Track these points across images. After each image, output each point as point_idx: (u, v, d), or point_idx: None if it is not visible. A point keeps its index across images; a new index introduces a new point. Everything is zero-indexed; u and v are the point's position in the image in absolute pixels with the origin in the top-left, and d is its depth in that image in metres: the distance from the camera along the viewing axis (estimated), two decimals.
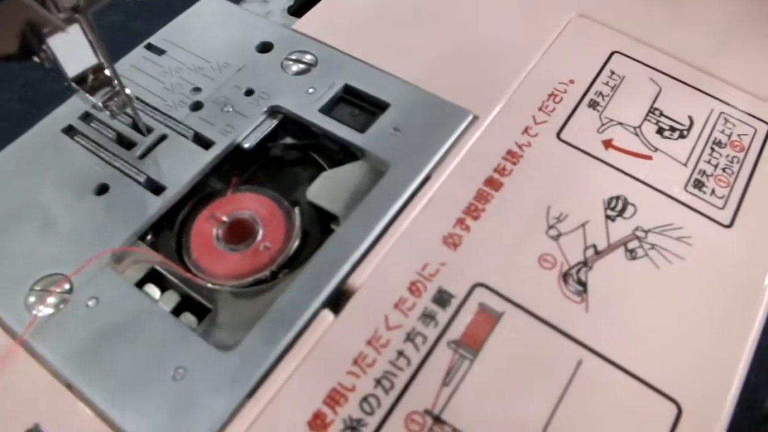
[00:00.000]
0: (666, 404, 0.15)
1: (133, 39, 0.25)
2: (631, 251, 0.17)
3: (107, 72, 0.17)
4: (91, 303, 0.16)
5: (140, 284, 0.17)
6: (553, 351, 0.15)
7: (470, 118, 0.19)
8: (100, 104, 0.17)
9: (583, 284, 0.16)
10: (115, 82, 0.17)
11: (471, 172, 0.18)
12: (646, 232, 0.17)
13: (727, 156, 0.19)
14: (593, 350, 0.15)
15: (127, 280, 0.16)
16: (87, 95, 0.17)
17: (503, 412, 0.14)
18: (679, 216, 0.17)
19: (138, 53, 0.21)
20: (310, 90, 0.19)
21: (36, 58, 0.14)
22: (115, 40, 0.22)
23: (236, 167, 0.19)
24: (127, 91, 0.17)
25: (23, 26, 0.13)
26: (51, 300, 0.16)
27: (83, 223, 0.17)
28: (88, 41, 0.16)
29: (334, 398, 0.14)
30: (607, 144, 0.19)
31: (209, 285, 0.17)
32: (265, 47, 0.21)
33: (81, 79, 0.17)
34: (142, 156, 0.18)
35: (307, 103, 0.19)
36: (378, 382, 0.15)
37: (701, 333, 0.16)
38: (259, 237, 0.17)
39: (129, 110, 0.18)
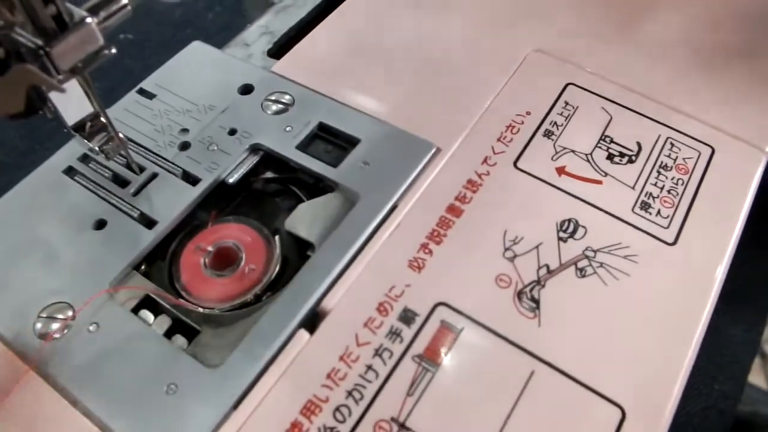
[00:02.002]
0: (611, 408, 0.17)
1: (125, 76, 0.27)
2: (581, 270, 0.19)
3: (102, 119, 0.20)
4: (92, 328, 0.18)
5: (135, 310, 0.19)
6: (508, 362, 0.17)
7: (433, 150, 0.21)
8: (96, 148, 0.20)
9: (536, 301, 0.19)
10: (109, 128, 0.20)
11: (434, 201, 0.20)
12: (595, 251, 0.19)
13: (673, 178, 0.21)
14: (545, 361, 0.17)
15: (123, 306, 0.19)
16: (85, 140, 0.20)
17: (462, 420, 0.17)
18: (626, 236, 0.20)
19: (131, 98, 0.23)
20: (288, 128, 0.22)
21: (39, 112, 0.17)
22: (108, 76, 0.24)
23: (221, 200, 0.21)
24: (121, 135, 0.20)
25: (28, 89, 0.16)
26: (56, 326, 0.18)
27: (83, 256, 0.19)
28: (85, 94, 0.19)
29: (309, 409, 0.17)
30: (561, 170, 0.21)
31: (199, 310, 0.19)
32: (246, 89, 0.23)
33: (79, 127, 0.20)
34: (136, 193, 0.21)
35: (285, 141, 0.22)
36: (349, 393, 0.17)
37: (645, 344, 0.18)
38: (243, 263, 0.20)
39: (123, 152, 0.20)
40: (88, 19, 0.16)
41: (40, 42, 0.16)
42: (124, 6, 0.17)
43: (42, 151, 0.24)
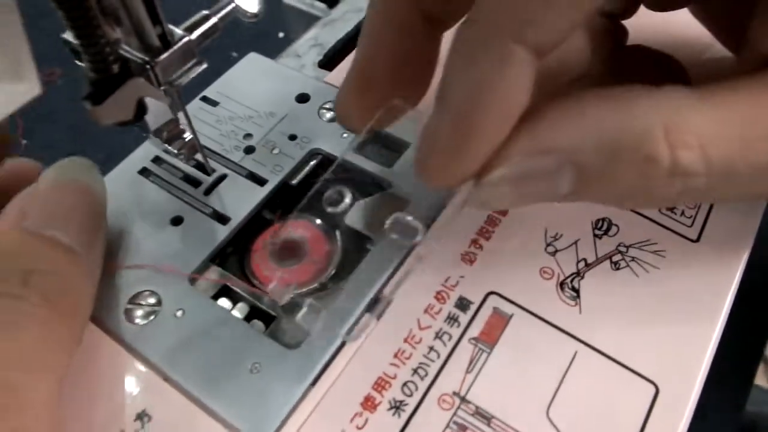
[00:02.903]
0: (646, 385, 0.19)
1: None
2: (615, 263, 0.22)
3: (181, 126, 0.22)
4: (178, 314, 0.20)
5: (214, 298, 0.21)
6: (554, 344, 0.20)
7: None
8: (175, 151, 0.22)
9: (576, 291, 0.21)
10: (187, 133, 0.22)
11: None
12: (627, 247, 0.22)
13: None
14: (586, 343, 0.20)
15: (205, 295, 0.21)
16: (165, 144, 0.22)
17: (516, 394, 0.19)
18: (654, 233, 0.22)
19: (195, 105, 0.26)
20: (344, 135, 0.24)
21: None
22: None
23: (285, 200, 0.24)
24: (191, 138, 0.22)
25: (138, 99, 0.18)
26: (144, 312, 0.20)
27: (165, 249, 0.22)
28: (172, 102, 0.21)
29: (380, 384, 0.19)
30: None
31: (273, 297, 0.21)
32: (302, 98, 0.26)
33: (159, 131, 0.22)
34: (207, 192, 0.23)
35: (342, 145, 0.24)
36: (415, 371, 0.19)
37: (674, 327, 0.20)
38: (308, 254, 0.22)
39: (198, 155, 0.22)
40: (187, 38, 0.18)
41: (146, 57, 0.18)
42: (215, 25, 0.19)
43: (90, 153, 0.26)
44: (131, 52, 0.18)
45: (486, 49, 0.15)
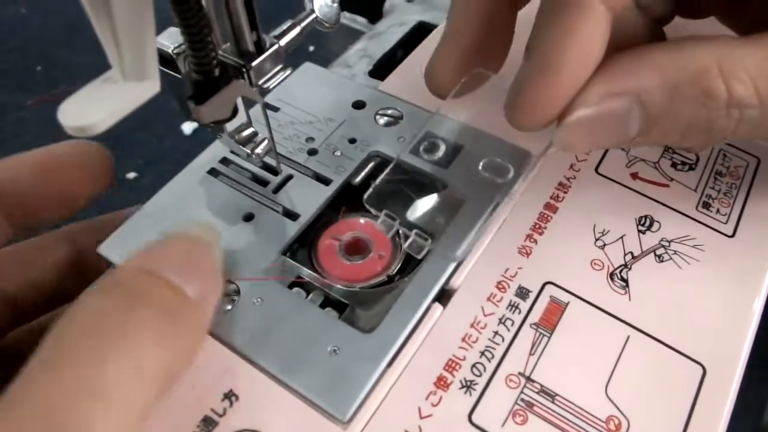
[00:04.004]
0: (694, 366, 0.21)
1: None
2: (659, 256, 0.23)
3: (253, 129, 0.24)
4: (257, 302, 0.22)
5: (289, 288, 0.23)
6: (608, 330, 0.22)
7: (530, 157, 0.25)
8: (248, 152, 0.24)
9: (625, 281, 0.23)
10: (260, 135, 0.24)
11: (532, 200, 0.25)
12: (669, 242, 0.24)
13: (727, 183, 0.26)
14: (637, 328, 0.22)
15: (281, 285, 0.22)
16: (239, 146, 0.24)
17: (576, 374, 0.21)
18: (693, 229, 0.24)
19: (257, 110, 0.27)
20: (400, 138, 0.26)
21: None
22: None
23: (347, 199, 0.25)
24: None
25: (236, 98, 0.20)
26: (224, 299, 0.22)
27: (239, 243, 0.23)
28: (263, 108, 0.23)
29: (451, 365, 0.21)
30: (634, 176, 0.26)
31: (343, 288, 0.23)
32: (359, 105, 0.28)
33: (234, 132, 0.24)
34: (275, 191, 0.25)
35: (399, 147, 0.26)
36: (482, 353, 0.21)
37: (716, 312, 0.22)
38: (373, 249, 0.24)
39: (270, 156, 0.24)
40: (277, 44, 0.20)
41: (241, 62, 0.20)
42: (299, 34, 0.21)
43: (128, 159, 0.28)
44: (227, 56, 0.20)
45: (567, 5, 0.17)
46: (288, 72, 0.21)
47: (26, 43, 0.45)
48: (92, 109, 0.16)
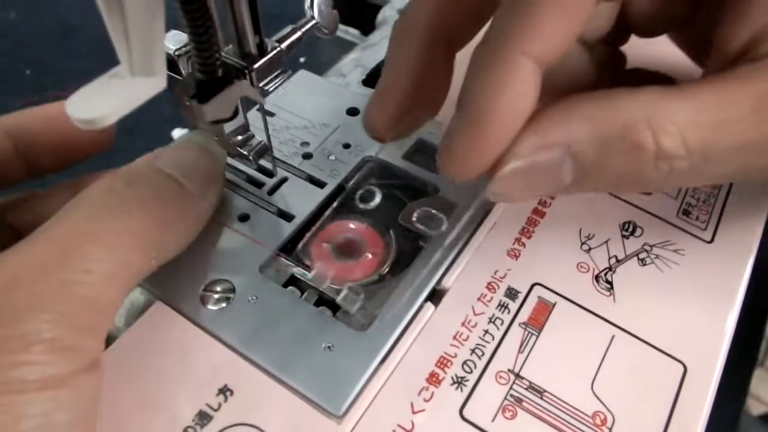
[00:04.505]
0: (676, 364, 0.22)
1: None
2: (642, 260, 0.24)
3: (250, 131, 0.24)
4: (251, 299, 0.22)
5: (284, 287, 0.23)
6: (594, 329, 0.22)
7: None
8: (245, 153, 0.24)
9: (610, 283, 0.24)
10: (257, 137, 0.24)
11: (521, 205, 0.26)
12: (651, 246, 0.25)
13: (706, 192, 0.27)
14: (621, 328, 0.23)
15: (276, 283, 0.23)
16: (237, 147, 0.24)
17: (563, 371, 0.21)
18: (674, 235, 0.25)
19: (253, 114, 0.28)
20: (391, 145, 0.27)
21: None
22: None
23: (342, 201, 0.26)
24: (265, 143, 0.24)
25: (238, 98, 0.20)
26: (219, 297, 0.22)
27: (235, 242, 0.24)
28: (263, 111, 0.24)
29: (443, 362, 0.21)
30: None
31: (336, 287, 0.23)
32: (352, 111, 0.28)
33: (232, 134, 0.25)
34: (270, 193, 0.25)
35: (392, 153, 0.27)
36: (473, 350, 0.22)
37: (696, 313, 0.23)
38: (366, 250, 0.24)
39: (266, 159, 0.25)
40: (278, 48, 0.21)
41: (244, 63, 0.20)
42: (299, 39, 0.22)
43: (115, 162, 0.28)
44: (230, 58, 0.20)
45: (497, 61, 0.18)
46: (288, 75, 0.22)
47: (16, 48, 0.45)
48: (100, 102, 0.17)
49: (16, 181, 0.24)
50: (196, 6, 0.18)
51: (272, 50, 0.21)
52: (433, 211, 0.25)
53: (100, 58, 0.52)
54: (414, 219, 0.25)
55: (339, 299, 0.22)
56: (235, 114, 0.21)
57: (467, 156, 0.19)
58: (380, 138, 0.23)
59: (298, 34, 0.22)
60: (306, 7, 0.22)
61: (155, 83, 0.18)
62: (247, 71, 0.20)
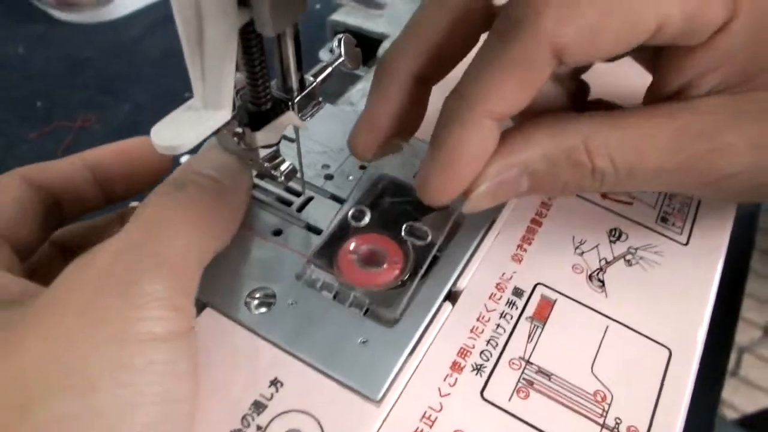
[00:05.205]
0: (662, 349, 0.26)
1: None
2: (628, 261, 0.28)
3: (282, 156, 0.28)
4: (291, 303, 0.25)
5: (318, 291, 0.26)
6: (590, 321, 0.26)
7: None
8: (277, 174, 0.28)
9: (601, 281, 0.28)
10: (287, 161, 0.28)
11: (520, 216, 0.29)
12: (636, 249, 0.29)
13: (680, 201, 0.31)
14: (614, 319, 0.26)
15: (312, 289, 0.26)
16: (271, 170, 0.28)
17: (567, 356, 0.25)
18: (654, 239, 0.29)
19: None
20: (403, 165, 0.31)
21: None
22: None
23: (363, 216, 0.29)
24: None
25: (285, 127, 0.24)
26: (261, 302, 0.26)
27: (272, 253, 0.27)
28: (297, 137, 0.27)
29: (463, 352, 0.25)
30: (604, 196, 0.31)
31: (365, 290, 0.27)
32: None
33: (265, 158, 0.28)
34: (299, 210, 0.29)
35: (405, 172, 0.30)
36: (488, 342, 0.25)
37: (677, 304, 0.27)
38: (387, 259, 0.28)
39: (295, 180, 0.28)
40: (315, 82, 0.25)
41: (287, 96, 0.24)
42: (330, 74, 0.26)
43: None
44: (276, 92, 0.24)
45: (464, 117, 0.23)
46: (322, 106, 0.25)
47: (26, 81, 0.48)
48: (178, 132, 0.20)
49: (95, 208, 0.28)
50: (254, 50, 0.21)
51: (309, 85, 0.24)
52: (417, 225, 0.29)
53: (104, 90, 0.56)
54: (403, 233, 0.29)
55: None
56: (279, 140, 0.25)
57: (440, 188, 0.24)
58: (362, 159, 0.28)
59: (329, 70, 0.25)
60: (334, 45, 0.26)
61: (223, 115, 0.21)
62: (290, 103, 0.24)
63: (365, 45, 0.37)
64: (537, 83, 0.22)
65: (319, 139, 0.32)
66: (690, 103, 0.24)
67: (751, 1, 0.22)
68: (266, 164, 0.27)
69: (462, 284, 0.27)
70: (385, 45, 0.40)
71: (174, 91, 0.39)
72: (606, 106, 0.31)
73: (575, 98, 0.29)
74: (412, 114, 0.27)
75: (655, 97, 0.26)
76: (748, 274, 0.48)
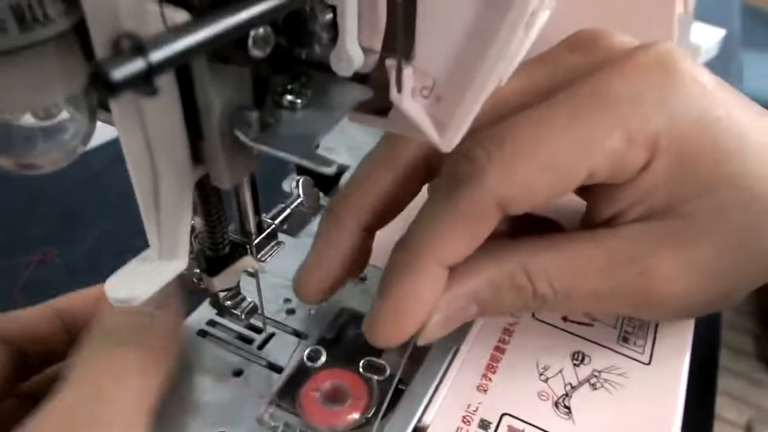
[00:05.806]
0: None
1: None
2: (593, 384, 0.29)
3: (242, 294, 0.28)
4: None
5: None
6: None
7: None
8: (238, 313, 0.28)
9: (568, 408, 0.28)
10: (248, 299, 0.28)
11: (483, 344, 0.30)
12: (600, 372, 0.29)
13: (639, 320, 0.32)
14: None
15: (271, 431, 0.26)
16: (232, 309, 0.28)
17: None
18: (617, 360, 0.30)
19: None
20: (363, 293, 0.31)
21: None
22: None
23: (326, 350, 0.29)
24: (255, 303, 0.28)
25: (242, 270, 0.24)
26: None
27: (232, 396, 0.27)
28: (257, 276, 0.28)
29: None
30: (564, 318, 0.32)
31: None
32: None
33: (224, 297, 0.28)
34: (260, 347, 0.29)
35: (365, 304, 0.31)
36: None
37: (643, 426, 0.27)
38: (351, 395, 0.28)
39: (256, 317, 0.28)
40: (273, 224, 0.26)
41: (245, 240, 0.25)
42: (289, 215, 0.27)
43: None
44: (233, 236, 0.25)
45: (411, 267, 0.25)
46: (282, 247, 0.26)
47: None
48: (133, 284, 0.21)
49: (65, 357, 0.27)
50: (211, 200, 0.22)
51: (268, 227, 0.25)
52: (374, 360, 0.29)
53: (63, 226, 0.56)
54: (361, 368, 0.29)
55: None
56: (238, 282, 0.25)
57: (389, 333, 0.25)
58: (309, 301, 0.29)
59: (288, 211, 0.26)
60: (292, 186, 0.27)
61: (179, 265, 0.22)
62: (248, 247, 0.25)
63: (324, 178, 0.39)
64: (484, 233, 0.24)
65: (280, 272, 0.32)
66: (620, 229, 0.26)
67: (669, 144, 0.24)
68: (227, 302, 0.28)
69: (427, 419, 0.27)
70: (347, 176, 0.42)
71: (138, 222, 0.40)
72: (538, 221, 0.32)
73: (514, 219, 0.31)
74: (359, 257, 0.28)
75: (589, 223, 0.28)
76: (717, 373, 0.48)
